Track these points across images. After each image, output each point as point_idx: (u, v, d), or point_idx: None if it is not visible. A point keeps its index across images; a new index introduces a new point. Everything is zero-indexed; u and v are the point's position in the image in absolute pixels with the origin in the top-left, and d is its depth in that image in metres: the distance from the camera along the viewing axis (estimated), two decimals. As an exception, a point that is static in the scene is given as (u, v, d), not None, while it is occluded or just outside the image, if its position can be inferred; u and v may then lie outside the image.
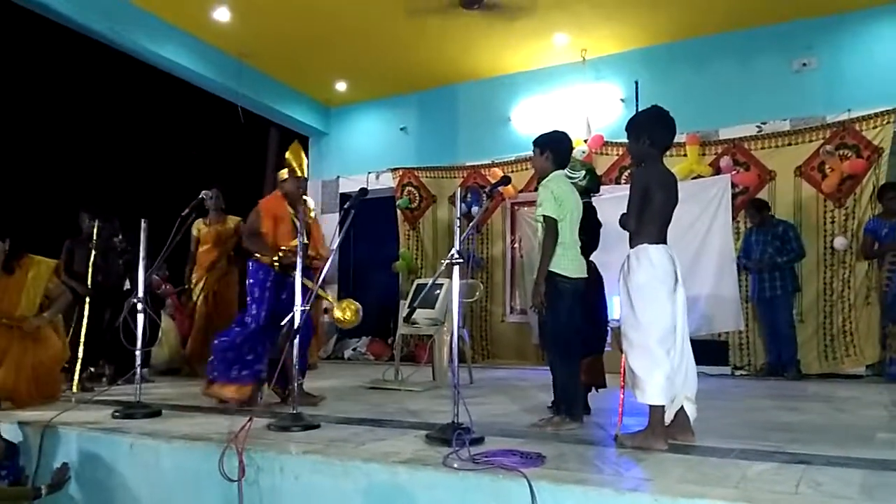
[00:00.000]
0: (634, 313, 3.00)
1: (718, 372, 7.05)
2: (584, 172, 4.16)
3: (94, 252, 5.57)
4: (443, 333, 5.85)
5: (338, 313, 4.30)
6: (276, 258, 4.39)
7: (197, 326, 6.74)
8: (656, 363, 2.92)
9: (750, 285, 7.10)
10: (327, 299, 4.60)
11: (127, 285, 6.04)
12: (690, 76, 8.02)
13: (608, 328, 4.61)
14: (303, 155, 4.79)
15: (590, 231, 3.97)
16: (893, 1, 7.14)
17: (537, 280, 3.57)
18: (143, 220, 4.18)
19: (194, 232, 6.90)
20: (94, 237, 5.61)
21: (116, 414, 3.78)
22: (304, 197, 4.72)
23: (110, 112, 11.57)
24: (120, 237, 5.92)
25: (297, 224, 3.69)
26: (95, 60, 9.36)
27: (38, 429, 3.49)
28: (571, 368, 3.58)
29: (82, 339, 5.22)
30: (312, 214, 4.88)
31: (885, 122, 6.88)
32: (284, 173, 4.74)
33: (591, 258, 4.04)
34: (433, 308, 5.86)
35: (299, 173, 4.70)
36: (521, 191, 8.44)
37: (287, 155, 4.76)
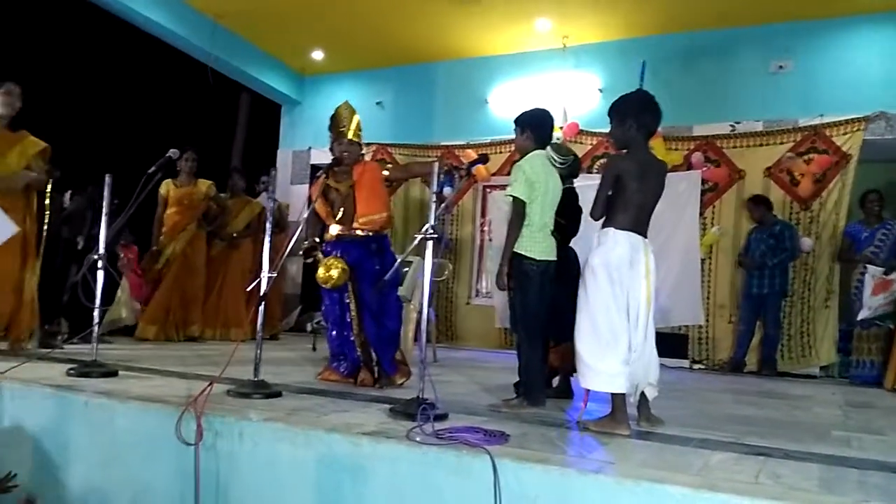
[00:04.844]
0: (587, 296, 2.98)
1: (677, 365, 7.16)
2: (572, 158, 4.15)
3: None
4: (410, 311, 5.81)
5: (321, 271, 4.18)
6: None
7: (163, 289, 6.54)
8: (600, 349, 2.90)
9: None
10: None
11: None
12: (669, 71, 8.02)
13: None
14: None
15: (570, 216, 3.95)
16: (871, 11, 7.24)
17: (501, 261, 3.53)
18: (107, 175, 4.02)
19: (162, 192, 6.69)
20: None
21: (71, 372, 3.67)
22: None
23: (77, 64, 11.21)
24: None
25: None
26: (64, 11, 9.03)
27: (-14, 382, 3.36)
28: (536, 352, 3.56)
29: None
30: None
31: (854, 129, 7.01)
32: None
33: (571, 245, 4.04)
34: (401, 285, 5.80)
35: None
36: (494, 174, 8.40)
37: None
